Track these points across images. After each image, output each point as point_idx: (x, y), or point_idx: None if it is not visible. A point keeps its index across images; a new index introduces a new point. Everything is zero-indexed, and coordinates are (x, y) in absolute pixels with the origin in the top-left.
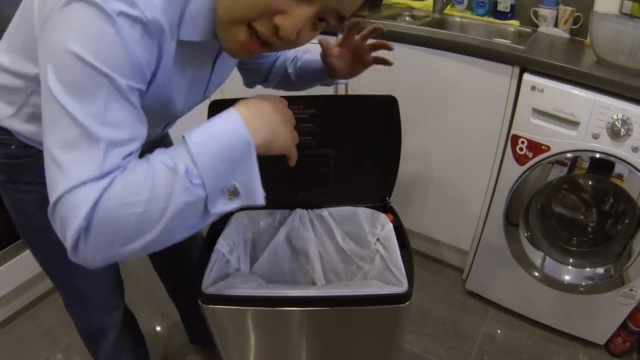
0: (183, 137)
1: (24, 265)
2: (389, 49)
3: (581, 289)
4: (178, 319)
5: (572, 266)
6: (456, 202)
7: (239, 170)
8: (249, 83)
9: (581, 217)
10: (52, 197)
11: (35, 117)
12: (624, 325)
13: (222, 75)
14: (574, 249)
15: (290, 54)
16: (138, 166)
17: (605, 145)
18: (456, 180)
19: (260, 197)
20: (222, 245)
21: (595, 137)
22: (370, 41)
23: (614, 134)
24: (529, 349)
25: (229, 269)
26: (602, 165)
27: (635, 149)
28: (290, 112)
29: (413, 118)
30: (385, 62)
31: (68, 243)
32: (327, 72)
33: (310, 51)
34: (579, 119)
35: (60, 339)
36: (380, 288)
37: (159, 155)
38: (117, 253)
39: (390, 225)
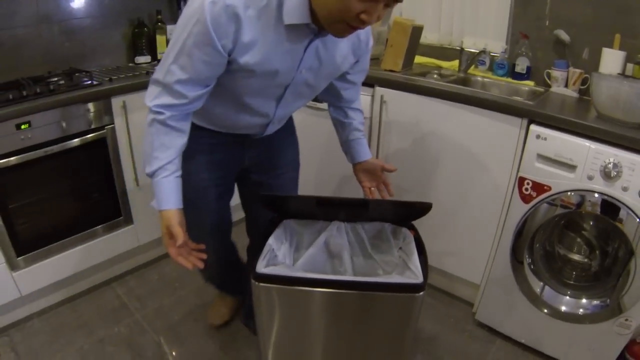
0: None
1: (72, 259)
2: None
3: (579, 314)
4: (208, 324)
5: (569, 297)
6: (469, 239)
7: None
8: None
9: (579, 252)
10: None
11: None
12: (622, 357)
13: (315, 62)
14: (572, 282)
15: (358, 119)
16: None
17: (599, 185)
18: (470, 218)
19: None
20: (272, 242)
21: (590, 178)
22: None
23: (607, 175)
24: None
25: (276, 262)
26: (597, 203)
27: (625, 189)
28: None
29: (435, 160)
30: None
31: None
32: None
33: (364, 138)
34: (576, 163)
35: (96, 331)
36: (400, 278)
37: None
38: None
39: (412, 237)
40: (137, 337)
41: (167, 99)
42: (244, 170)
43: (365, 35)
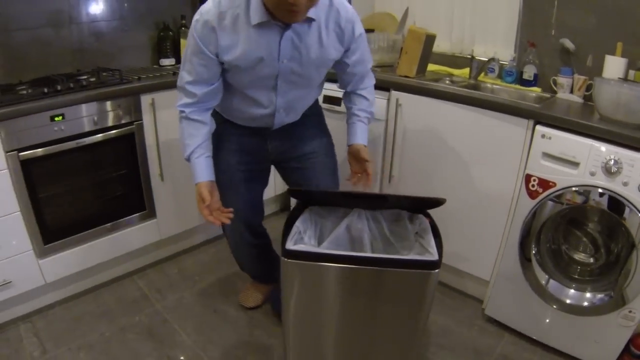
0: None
1: (95, 249)
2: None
3: (584, 306)
4: (227, 315)
5: (574, 290)
6: (479, 236)
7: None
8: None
9: (584, 251)
10: None
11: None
12: (627, 349)
13: (295, 53)
14: (577, 276)
15: (359, 105)
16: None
17: (600, 181)
18: (480, 215)
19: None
20: (299, 225)
21: (593, 174)
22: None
23: (608, 171)
24: None
25: (302, 243)
26: (599, 198)
27: (625, 184)
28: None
29: (446, 159)
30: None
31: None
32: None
33: (359, 123)
34: (579, 160)
35: (117, 319)
36: (416, 256)
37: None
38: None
39: (427, 223)
40: (158, 326)
41: (184, 99)
42: (274, 161)
43: (346, 22)
